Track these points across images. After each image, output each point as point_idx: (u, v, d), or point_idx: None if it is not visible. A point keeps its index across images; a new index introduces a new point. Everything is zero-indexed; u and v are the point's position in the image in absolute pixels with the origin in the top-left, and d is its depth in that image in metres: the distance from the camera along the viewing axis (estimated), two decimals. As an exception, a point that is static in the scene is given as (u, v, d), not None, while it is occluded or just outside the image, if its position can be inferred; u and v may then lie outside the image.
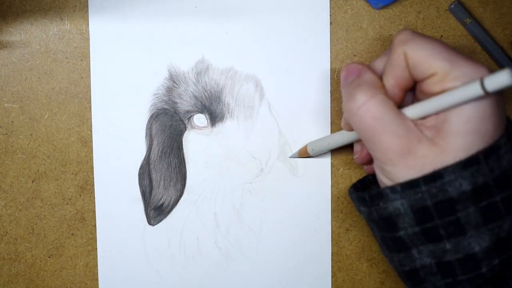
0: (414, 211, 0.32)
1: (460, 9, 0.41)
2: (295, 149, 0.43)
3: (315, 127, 0.43)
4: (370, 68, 0.36)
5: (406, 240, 0.34)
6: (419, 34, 0.33)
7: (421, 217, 0.32)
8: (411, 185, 0.32)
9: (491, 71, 0.31)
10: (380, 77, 0.35)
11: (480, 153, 0.31)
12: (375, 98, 0.33)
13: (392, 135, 0.32)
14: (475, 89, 0.30)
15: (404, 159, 0.32)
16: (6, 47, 0.42)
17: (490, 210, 0.32)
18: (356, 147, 0.40)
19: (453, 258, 0.32)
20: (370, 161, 0.39)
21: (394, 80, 0.34)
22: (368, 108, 0.33)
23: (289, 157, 0.43)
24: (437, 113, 0.32)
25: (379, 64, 0.36)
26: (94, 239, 0.43)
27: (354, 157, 0.40)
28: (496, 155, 0.32)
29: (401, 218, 0.33)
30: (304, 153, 0.42)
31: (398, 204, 0.33)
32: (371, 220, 0.35)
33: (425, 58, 0.32)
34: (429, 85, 0.33)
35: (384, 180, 0.34)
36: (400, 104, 0.35)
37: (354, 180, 0.43)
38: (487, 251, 0.32)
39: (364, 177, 0.41)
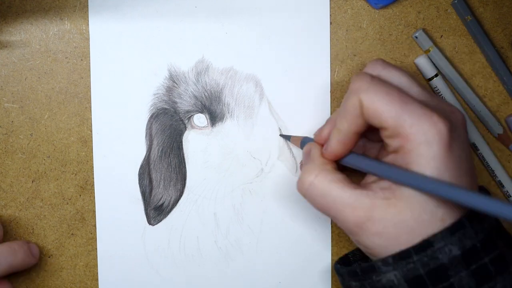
0: (407, 281, 0.32)
1: (463, 5, 0.41)
2: (295, 149, 0.43)
3: (315, 127, 0.43)
4: (325, 130, 0.37)
5: None
6: (377, 82, 0.33)
7: (416, 287, 0.32)
8: (402, 256, 0.32)
9: (449, 123, 0.31)
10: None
11: (464, 218, 0.31)
12: (320, 176, 0.34)
13: (344, 207, 0.33)
14: (421, 185, 0.31)
15: (364, 228, 0.32)
16: (6, 47, 0.42)
17: (481, 272, 0.31)
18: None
19: None
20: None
21: (347, 125, 0.34)
22: (315, 187, 0.34)
23: (280, 135, 0.42)
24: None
25: (327, 129, 0.37)
26: (94, 239, 0.43)
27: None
28: (478, 219, 0.32)
29: None
30: (296, 142, 0.41)
31: (391, 276, 0.32)
32: None
33: (379, 111, 0.32)
34: (384, 137, 0.33)
35: (360, 247, 0.34)
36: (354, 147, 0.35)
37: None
38: None
39: (345, 255, 0.40)
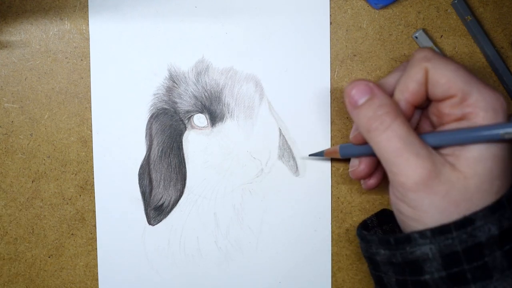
0: (443, 256, 0.32)
1: (463, 5, 0.41)
2: (295, 149, 0.43)
3: (315, 127, 0.43)
4: (380, 86, 0.35)
5: (431, 284, 0.33)
6: (440, 55, 0.33)
7: (450, 262, 0.32)
8: (442, 231, 0.32)
9: (508, 99, 0.32)
10: (391, 94, 0.35)
11: (504, 197, 0.32)
12: (399, 120, 0.32)
13: (417, 157, 0.32)
14: (494, 136, 0.31)
15: (429, 184, 0.32)
16: (6, 47, 0.42)
17: None
18: (353, 161, 0.39)
19: None
20: (365, 175, 0.39)
21: (408, 95, 0.34)
22: (394, 129, 0.32)
23: (309, 155, 0.42)
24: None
25: (390, 81, 0.36)
26: (94, 239, 0.43)
27: (349, 171, 0.39)
28: None
29: (428, 263, 0.32)
30: (332, 154, 0.41)
31: (426, 249, 0.32)
32: (390, 264, 0.34)
33: (446, 78, 0.32)
34: (447, 107, 0.33)
35: (403, 209, 0.33)
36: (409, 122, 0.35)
37: (354, 180, 0.43)
38: None
39: (364, 221, 0.40)
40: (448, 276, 0.32)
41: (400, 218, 0.35)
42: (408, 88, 0.34)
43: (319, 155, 0.42)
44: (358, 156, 0.39)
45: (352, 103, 0.34)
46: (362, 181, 0.40)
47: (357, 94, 0.34)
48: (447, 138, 0.33)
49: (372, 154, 0.36)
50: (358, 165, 0.38)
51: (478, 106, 0.31)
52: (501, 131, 0.30)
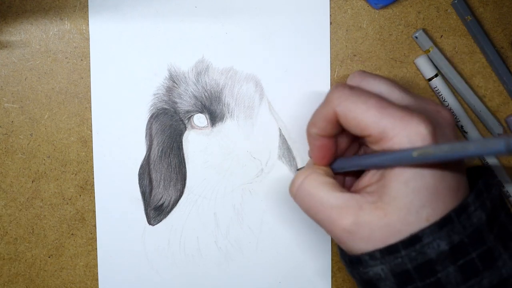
0: (395, 275, 0.32)
1: (463, 5, 0.41)
2: (295, 149, 0.43)
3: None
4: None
5: None
6: (355, 92, 0.33)
7: (402, 281, 0.32)
8: (390, 251, 0.32)
9: (430, 124, 0.31)
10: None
11: (452, 212, 0.31)
12: (309, 177, 0.34)
13: (331, 210, 0.33)
14: (407, 157, 0.30)
15: (351, 232, 0.32)
16: (6, 47, 0.42)
17: (468, 267, 0.31)
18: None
19: None
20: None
21: (318, 130, 0.34)
22: (303, 188, 0.34)
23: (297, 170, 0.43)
24: (369, 170, 0.33)
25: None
26: (94, 239, 0.43)
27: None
28: (466, 213, 0.31)
29: (382, 282, 0.33)
30: None
31: (378, 270, 0.32)
32: (356, 281, 0.35)
33: (356, 121, 0.32)
34: (368, 143, 0.33)
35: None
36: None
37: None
38: None
39: None
40: (460, 268, 0.32)
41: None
42: (317, 124, 0.34)
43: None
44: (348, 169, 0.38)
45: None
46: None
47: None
48: (365, 161, 0.33)
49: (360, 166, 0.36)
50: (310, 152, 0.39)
51: (393, 143, 0.31)
52: (414, 153, 0.30)
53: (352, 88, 0.33)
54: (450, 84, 0.42)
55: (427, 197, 0.31)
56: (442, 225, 0.31)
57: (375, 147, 0.33)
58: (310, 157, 0.38)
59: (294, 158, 0.43)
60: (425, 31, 0.42)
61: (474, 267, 0.31)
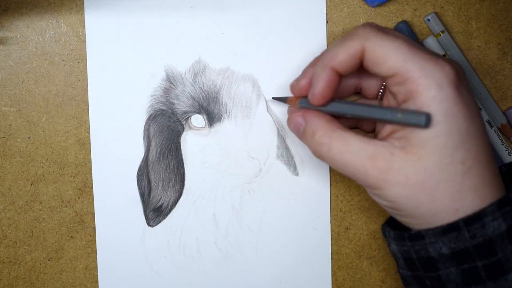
0: (404, 258, 0.34)
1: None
2: (293, 148, 0.43)
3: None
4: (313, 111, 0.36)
5: (406, 278, 0.35)
6: (383, 30, 0.33)
7: (410, 266, 0.34)
8: (398, 238, 0.33)
9: (455, 68, 0.31)
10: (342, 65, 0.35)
11: (462, 220, 0.31)
12: (335, 135, 0.33)
13: (364, 160, 0.32)
14: (394, 118, 0.31)
15: (386, 179, 0.32)
16: (3, 50, 0.42)
17: (470, 273, 0.32)
18: (298, 78, 0.38)
19: None
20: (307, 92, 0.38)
21: (335, 63, 0.33)
22: (334, 147, 0.33)
23: (272, 98, 0.42)
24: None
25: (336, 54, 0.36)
26: (93, 241, 0.43)
27: (290, 85, 0.38)
28: (480, 223, 0.31)
29: (398, 260, 0.35)
30: (293, 102, 0.39)
31: (393, 248, 0.35)
32: (401, 259, 0.36)
33: (384, 58, 0.32)
34: (392, 85, 0.32)
35: (384, 206, 0.34)
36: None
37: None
38: None
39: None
40: (413, 276, 0.34)
41: (392, 215, 0.35)
42: (337, 57, 0.33)
43: (282, 100, 0.40)
44: (342, 114, 0.37)
45: (297, 135, 0.37)
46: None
47: (295, 129, 0.37)
48: (366, 111, 0.33)
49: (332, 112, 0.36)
50: (301, 79, 0.38)
51: (420, 84, 0.31)
52: (399, 115, 0.31)
53: (379, 27, 0.33)
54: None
55: (461, 139, 0.31)
56: (446, 231, 0.31)
57: (397, 88, 0.32)
58: (295, 94, 0.37)
59: (292, 157, 0.43)
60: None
61: (477, 274, 0.32)
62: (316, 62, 0.37)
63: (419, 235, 0.32)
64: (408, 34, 0.41)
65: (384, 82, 0.37)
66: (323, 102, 0.35)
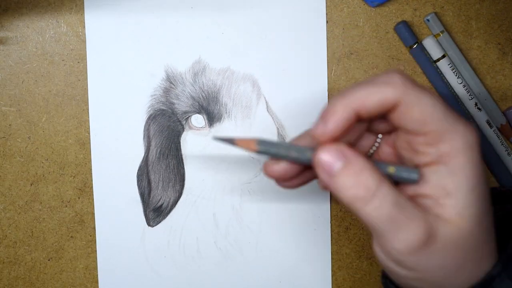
0: None
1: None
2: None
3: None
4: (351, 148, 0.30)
5: None
6: (418, 83, 0.29)
7: None
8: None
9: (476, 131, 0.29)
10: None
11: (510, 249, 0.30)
12: (385, 183, 0.28)
13: (411, 220, 0.28)
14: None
15: (426, 245, 0.28)
16: (3, 50, 0.42)
17: None
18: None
19: None
20: (282, 177, 0.33)
21: (361, 107, 0.28)
22: (383, 195, 0.28)
23: (214, 138, 0.31)
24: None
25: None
26: (93, 241, 0.43)
27: (263, 165, 0.33)
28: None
29: None
30: (247, 145, 0.30)
31: None
32: None
33: (422, 114, 0.28)
34: (420, 144, 0.29)
35: (398, 270, 0.30)
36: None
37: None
38: None
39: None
40: None
41: (395, 277, 0.31)
42: (367, 101, 0.28)
43: (229, 142, 0.30)
44: (285, 160, 0.31)
45: (327, 171, 0.29)
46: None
47: (331, 159, 0.29)
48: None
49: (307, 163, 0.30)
50: (276, 163, 0.32)
51: (455, 147, 0.28)
52: (391, 169, 0.28)
53: (410, 79, 0.29)
54: (456, 68, 0.42)
55: (485, 204, 0.29)
56: (505, 264, 0.29)
57: (429, 149, 0.29)
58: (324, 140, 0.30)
59: (292, 158, 0.43)
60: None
61: None
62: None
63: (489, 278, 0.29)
64: (407, 34, 0.41)
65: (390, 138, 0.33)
66: (330, 142, 0.30)
